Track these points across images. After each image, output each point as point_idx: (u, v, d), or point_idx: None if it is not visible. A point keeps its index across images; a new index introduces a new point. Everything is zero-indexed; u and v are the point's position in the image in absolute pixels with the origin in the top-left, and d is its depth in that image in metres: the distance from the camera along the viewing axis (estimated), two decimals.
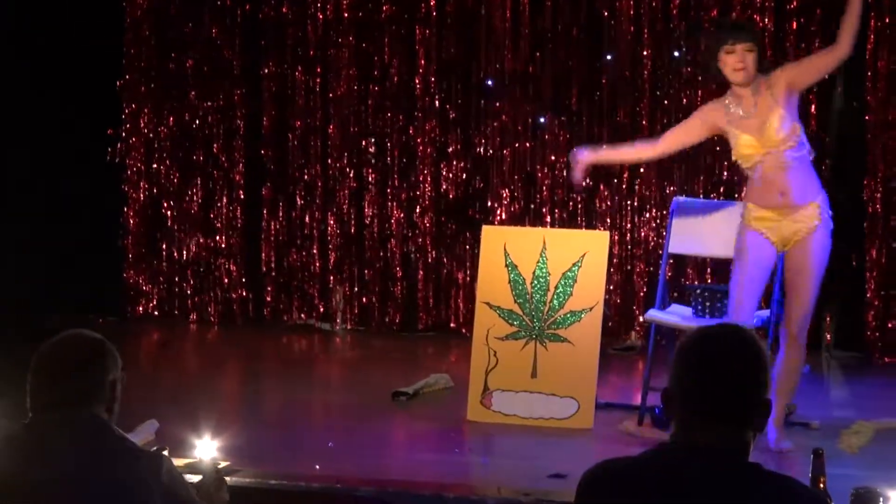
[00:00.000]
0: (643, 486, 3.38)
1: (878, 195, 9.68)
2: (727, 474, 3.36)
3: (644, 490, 3.37)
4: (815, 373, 9.24)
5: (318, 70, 10.66)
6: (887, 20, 9.55)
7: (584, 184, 8.25)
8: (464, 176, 10.49)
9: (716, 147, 9.72)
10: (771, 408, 3.47)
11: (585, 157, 7.62)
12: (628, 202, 10.10)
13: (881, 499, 4.48)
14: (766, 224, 7.17)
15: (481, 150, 10.41)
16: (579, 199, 10.19)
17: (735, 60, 6.99)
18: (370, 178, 10.63)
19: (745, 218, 7.30)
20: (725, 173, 9.86)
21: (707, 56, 7.28)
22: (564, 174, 10.11)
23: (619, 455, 3.51)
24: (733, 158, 7.26)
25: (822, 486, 4.37)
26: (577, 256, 8.04)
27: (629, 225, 10.11)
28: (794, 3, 9.76)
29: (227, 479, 5.84)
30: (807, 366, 9.08)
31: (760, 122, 7.05)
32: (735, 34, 7.09)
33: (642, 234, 10.09)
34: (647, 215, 10.07)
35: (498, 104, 10.34)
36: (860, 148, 9.79)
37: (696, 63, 9.57)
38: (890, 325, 9.79)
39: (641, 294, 10.02)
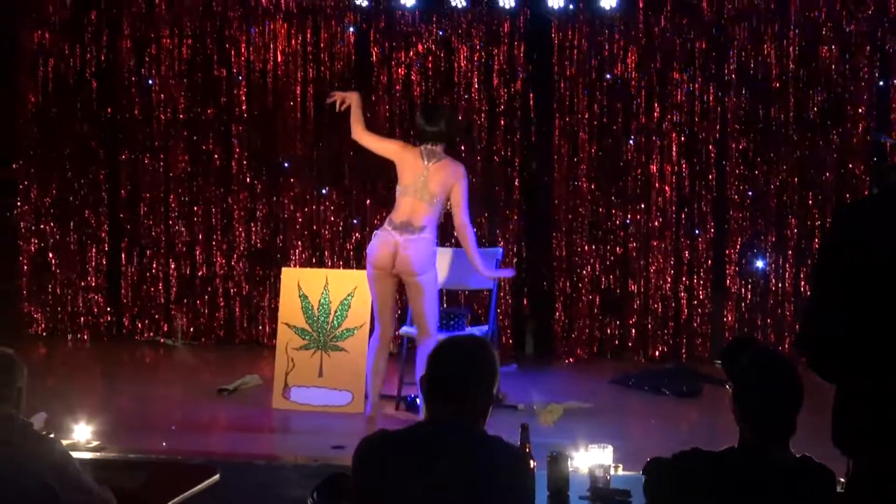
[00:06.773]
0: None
1: None
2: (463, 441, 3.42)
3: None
4: (520, 370, 9.31)
5: (161, 157, 10.48)
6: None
7: None
8: (268, 232, 10.38)
9: None
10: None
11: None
12: None
13: (569, 457, 4.64)
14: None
15: (281, 213, 10.31)
16: (350, 247, 10.11)
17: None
18: (200, 234, 10.47)
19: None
20: None
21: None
22: (341, 228, 10.12)
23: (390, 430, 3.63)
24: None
25: (527, 450, 4.44)
26: (351, 289, 8.17)
27: None
28: None
29: (98, 454, 5.98)
30: (514, 364, 9.28)
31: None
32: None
33: None
34: None
35: (292, 179, 10.27)
36: None
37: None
38: (574, 335, 9.81)
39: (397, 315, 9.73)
